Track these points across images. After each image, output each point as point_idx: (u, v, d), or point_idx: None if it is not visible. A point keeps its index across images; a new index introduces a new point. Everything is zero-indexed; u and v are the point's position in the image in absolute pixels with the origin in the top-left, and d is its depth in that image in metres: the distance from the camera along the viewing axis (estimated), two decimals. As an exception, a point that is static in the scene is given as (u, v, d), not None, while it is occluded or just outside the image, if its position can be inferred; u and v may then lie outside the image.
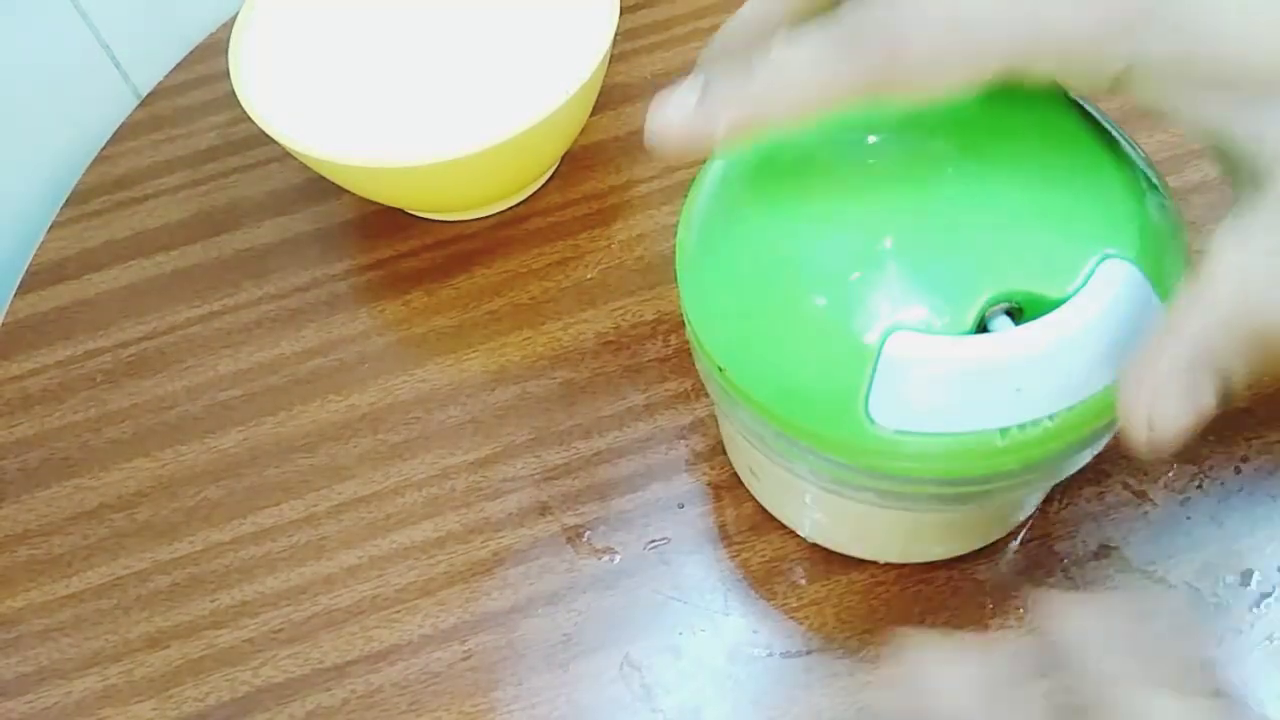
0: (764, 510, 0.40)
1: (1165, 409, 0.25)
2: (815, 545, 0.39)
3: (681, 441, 0.42)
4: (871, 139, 0.29)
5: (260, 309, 0.49)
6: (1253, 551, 0.38)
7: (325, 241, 0.51)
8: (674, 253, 0.32)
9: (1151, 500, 0.39)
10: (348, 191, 0.49)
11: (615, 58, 0.53)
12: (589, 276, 0.48)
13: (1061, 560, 0.38)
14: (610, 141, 0.52)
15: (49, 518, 0.44)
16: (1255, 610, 0.37)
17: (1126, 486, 0.39)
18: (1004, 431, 0.27)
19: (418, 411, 0.45)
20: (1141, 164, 0.29)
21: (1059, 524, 0.39)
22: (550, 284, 0.48)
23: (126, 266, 0.51)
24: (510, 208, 0.50)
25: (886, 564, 0.38)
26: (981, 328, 0.27)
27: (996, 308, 0.27)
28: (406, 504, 0.43)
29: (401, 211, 0.51)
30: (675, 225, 0.33)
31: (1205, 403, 0.25)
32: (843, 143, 0.29)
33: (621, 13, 0.46)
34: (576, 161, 0.51)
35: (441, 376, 0.46)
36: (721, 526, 0.40)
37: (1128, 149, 0.29)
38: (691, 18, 0.56)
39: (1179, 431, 0.25)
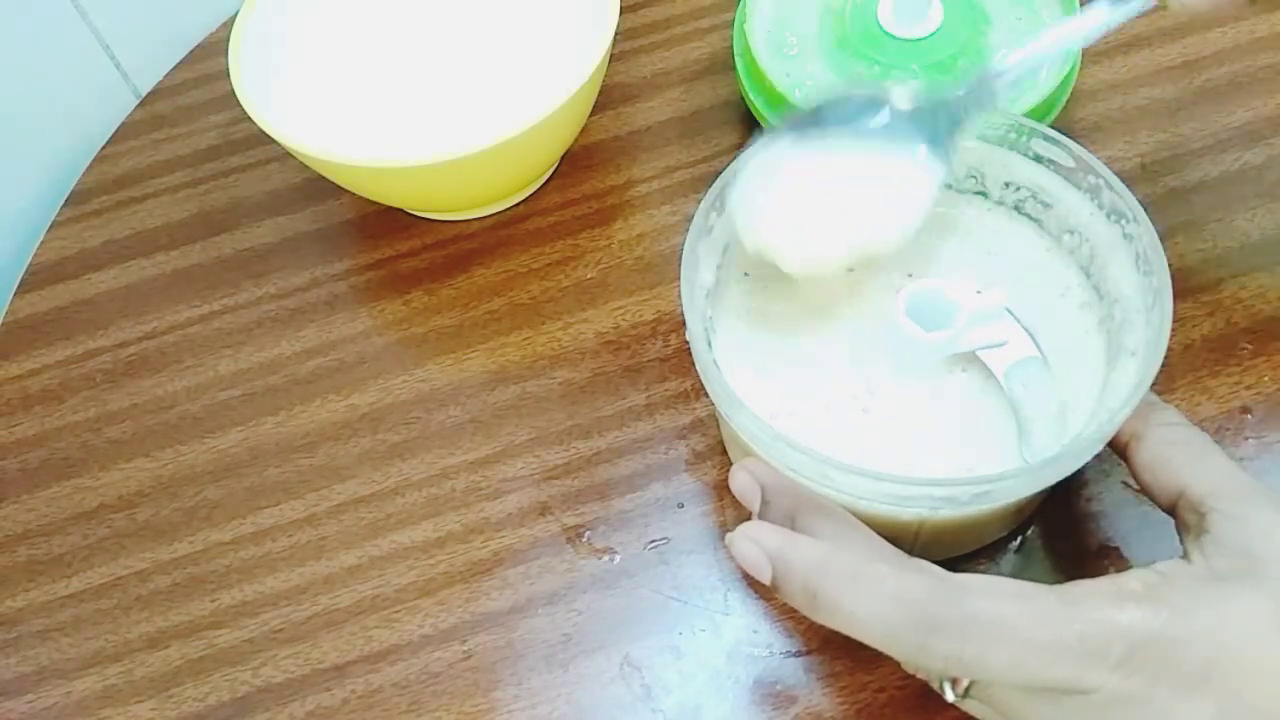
0: (764, 510, 0.40)
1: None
2: (815, 545, 0.39)
3: (681, 441, 0.42)
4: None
5: (260, 309, 0.49)
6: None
7: (325, 241, 0.51)
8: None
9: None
10: (348, 191, 0.49)
11: (615, 58, 0.53)
12: (589, 276, 0.48)
13: (1061, 560, 0.38)
14: (610, 141, 0.52)
15: (49, 518, 0.44)
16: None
17: (1127, 486, 0.39)
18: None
19: (418, 411, 0.45)
20: None
21: (1059, 524, 0.39)
22: (550, 284, 0.48)
23: (126, 266, 0.51)
24: (510, 208, 0.50)
25: (886, 564, 0.38)
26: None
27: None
28: (406, 504, 0.43)
29: (401, 211, 0.51)
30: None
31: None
32: None
33: (621, 13, 0.46)
34: (576, 161, 0.51)
35: (441, 376, 0.46)
36: (721, 526, 0.40)
37: None
38: (691, 17, 0.56)
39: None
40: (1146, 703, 0.27)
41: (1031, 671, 0.28)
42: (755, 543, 0.31)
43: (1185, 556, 0.30)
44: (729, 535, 0.32)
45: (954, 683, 0.30)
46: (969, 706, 0.31)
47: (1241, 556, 0.29)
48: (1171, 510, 0.32)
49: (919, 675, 0.32)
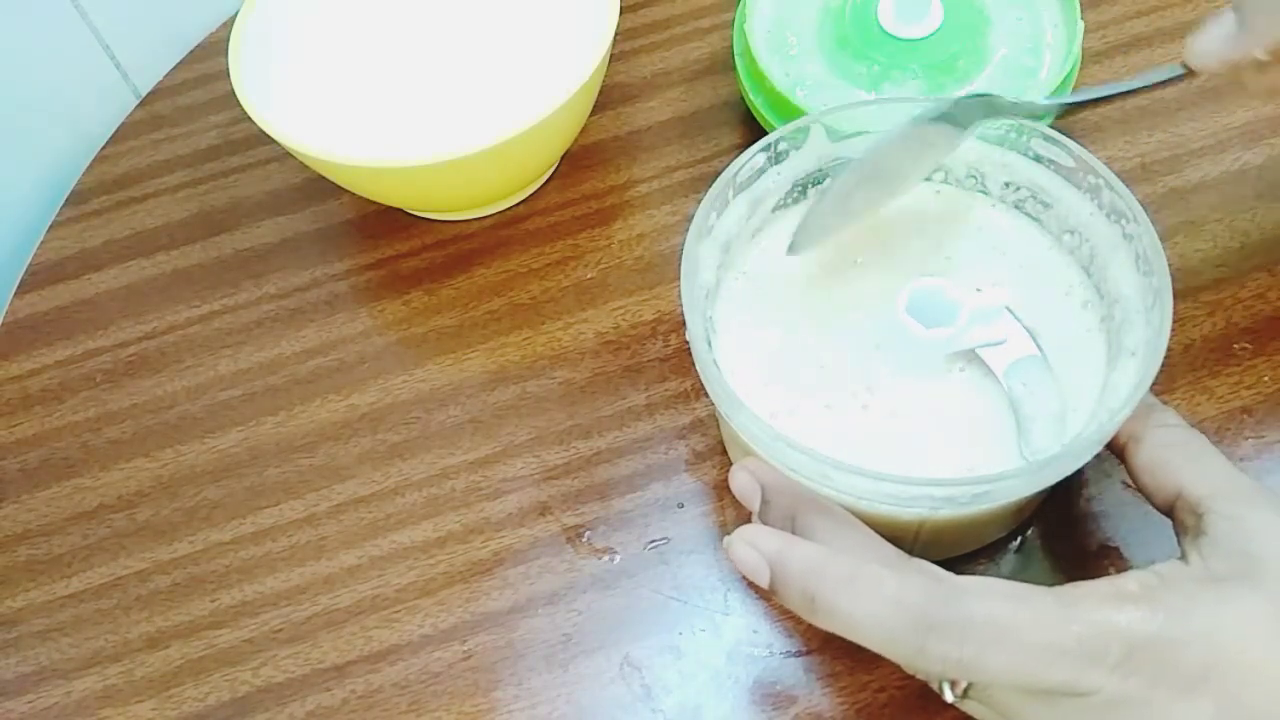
0: (764, 510, 0.40)
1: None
2: (815, 545, 0.39)
3: (681, 441, 0.42)
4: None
5: (260, 309, 0.49)
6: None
7: (325, 241, 0.51)
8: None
9: (1151, 500, 0.39)
10: (348, 191, 0.49)
11: (615, 58, 0.53)
12: (589, 276, 0.48)
13: (1061, 560, 0.38)
14: (610, 141, 0.52)
15: (49, 518, 0.44)
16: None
17: (1127, 486, 0.39)
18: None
19: (418, 411, 0.45)
20: None
21: (1059, 524, 0.39)
22: (550, 284, 0.48)
23: (126, 266, 0.51)
24: (510, 208, 0.50)
25: (886, 564, 0.38)
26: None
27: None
28: (406, 504, 0.43)
29: (401, 211, 0.51)
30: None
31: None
32: None
33: (621, 13, 0.46)
34: (576, 161, 0.51)
35: (441, 376, 0.46)
36: (721, 526, 0.40)
37: None
38: (691, 17, 0.56)
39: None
40: (1145, 704, 0.27)
41: (1030, 673, 0.28)
42: (752, 546, 0.31)
43: (1183, 558, 0.30)
44: (726, 539, 0.32)
45: (953, 684, 0.30)
46: (968, 707, 0.31)
47: (1239, 558, 0.29)
48: (1169, 512, 0.32)
49: (918, 676, 0.32)
